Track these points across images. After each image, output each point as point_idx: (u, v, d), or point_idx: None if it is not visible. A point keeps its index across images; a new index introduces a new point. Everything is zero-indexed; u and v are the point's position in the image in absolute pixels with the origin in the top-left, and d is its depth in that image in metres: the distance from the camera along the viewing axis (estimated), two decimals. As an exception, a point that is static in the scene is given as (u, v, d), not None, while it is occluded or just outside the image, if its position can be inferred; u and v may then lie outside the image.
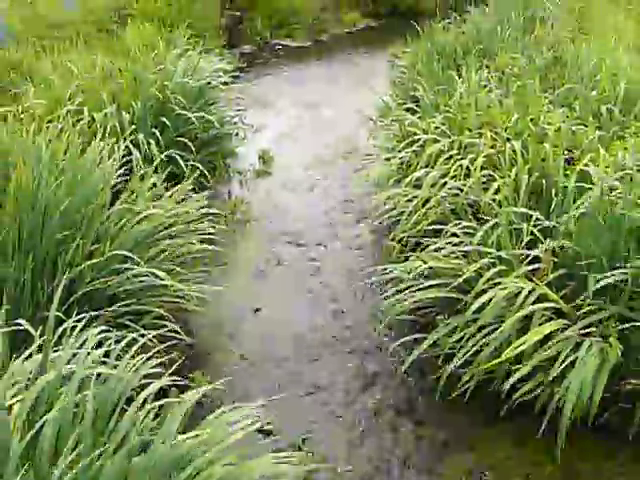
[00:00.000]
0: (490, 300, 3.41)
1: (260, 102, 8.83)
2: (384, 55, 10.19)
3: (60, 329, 2.99)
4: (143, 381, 2.83)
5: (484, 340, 3.47)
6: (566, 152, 4.61)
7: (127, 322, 3.74)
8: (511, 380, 3.27)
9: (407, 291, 4.00)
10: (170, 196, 4.70)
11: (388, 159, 5.57)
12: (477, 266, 3.62)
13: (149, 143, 5.42)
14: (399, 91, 7.34)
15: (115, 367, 2.84)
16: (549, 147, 4.50)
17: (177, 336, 3.82)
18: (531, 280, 3.57)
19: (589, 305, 3.35)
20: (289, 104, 8.90)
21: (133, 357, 2.97)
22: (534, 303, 3.35)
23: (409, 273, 4.00)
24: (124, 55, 6.86)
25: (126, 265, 3.89)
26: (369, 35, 12.59)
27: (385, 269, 4.29)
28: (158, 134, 5.63)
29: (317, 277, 5.15)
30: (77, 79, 6.18)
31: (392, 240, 4.88)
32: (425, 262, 3.94)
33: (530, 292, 3.36)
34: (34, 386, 2.44)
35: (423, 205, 4.61)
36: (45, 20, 8.32)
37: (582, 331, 3.30)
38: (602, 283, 3.34)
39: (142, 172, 4.84)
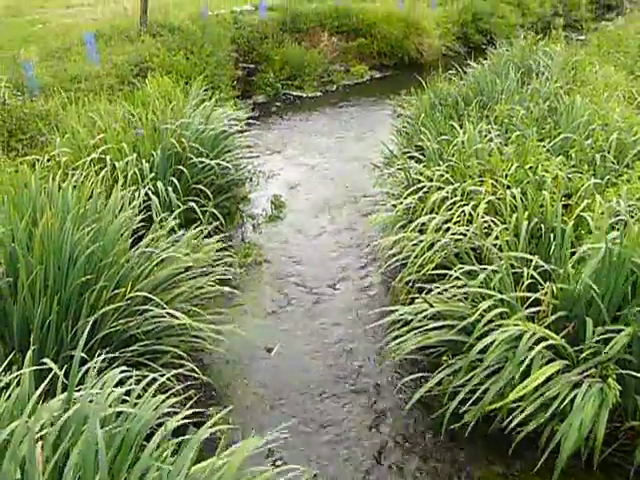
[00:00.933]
0: (493, 342, 3.42)
1: (272, 150, 8.97)
2: (389, 105, 10.33)
3: (83, 369, 3.01)
4: (162, 418, 2.85)
5: (488, 381, 3.48)
6: (563, 198, 4.65)
7: (146, 361, 3.78)
8: (515, 421, 3.27)
9: (413, 332, 4.02)
10: (187, 243, 4.74)
11: (394, 205, 5.62)
12: (480, 310, 3.63)
13: (167, 190, 5.48)
14: (404, 140, 7.42)
15: (135, 405, 2.86)
16: (547, 194, 4.54)
17: (194, 374, 3.84)
18: (532, 320, 3.59)
19: (589, 347, 3.35)
20: (299, 152, 9.02)
21: (153, 395, 2.99)
22: (536, 343, 3.35)
23: (416, 315, 4.01)
24: (144, 106, 6.98)
25: (145, 307, 3.93)
26: (375, 86, 12.79)
27: (392, 311, 4.30)
28: (176, 181, 5.69)
29: (327, 317, 5.16)
30: (100, 129, 6.29)
31: (399, 282, 4.91)
32: (431, 305, 3.96)
33: (531, 335, 3.36)
34: (58, 424, 2.46)
35: (428, 249, 4.64)
36: (71, 73, 8.48)
37: (582, 371, 3.31)
38: (600, 331, 3.35)
39: (161, 217, 4.91)
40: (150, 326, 3.92)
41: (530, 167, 5.07)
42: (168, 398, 3.04)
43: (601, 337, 3.34)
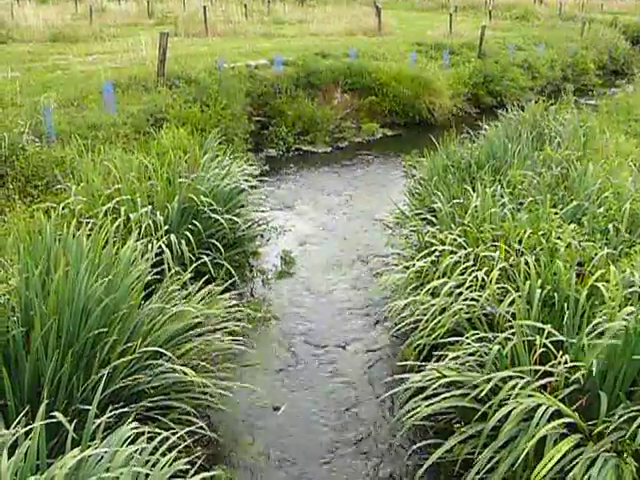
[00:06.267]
0: (509, 413, 3.41)
1: (283, 205, 9.08)
2: (400, 164, 10.49)
3: (94, 424, 3.02)
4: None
5: (501, 451, 3.47)
6: (577, 267, 4.69)
7: (155, 416, 3.78)
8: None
9: (424, 398, 4.01)
10: (201, 300, 4.78)
11: (406, 267, 5.66)
12: (494, 382, 3.63)
13: (180, 243, 5.54)
14: (416, 201, 7.51)
15: (147, 462, 2.86)
16: (561, 262, 4.57)
17: (202, 432, 3.83)
18: (545, 389, 3.59)
19: (603, 422, 3.34)
20: (310, 208, 9.13)
21: (163, 454, 3.00)
22: (550, 415, 3.35)
23: (426, 382, 4.01)
24: (159, 157, 7.09)
25: (155, 361, 3.95)
26: (386, 144, 12.98)
27: (403, 379, 4.30)
28: (189, 235, 5.76)
29: (335, 378, 5.16)
30: (115, 179, 6.39)
31: (409, 346, 4.91)
32: (442, 375, 3.96)
33: (546, 409, 3.36)
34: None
35: (440, 313, 4.66)
36: (88, 121, 8.64)
37: (597, 446, 3.29)
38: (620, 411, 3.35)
39: (173, 272, 4.96)
40: (159, 381, 3.93)
41: (543, 234, 5.12)
42: (178, 456, 3.05)
43: (618, 415, 3.34)
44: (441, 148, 8.28)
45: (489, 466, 3.49)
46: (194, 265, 5.29)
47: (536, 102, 10.15)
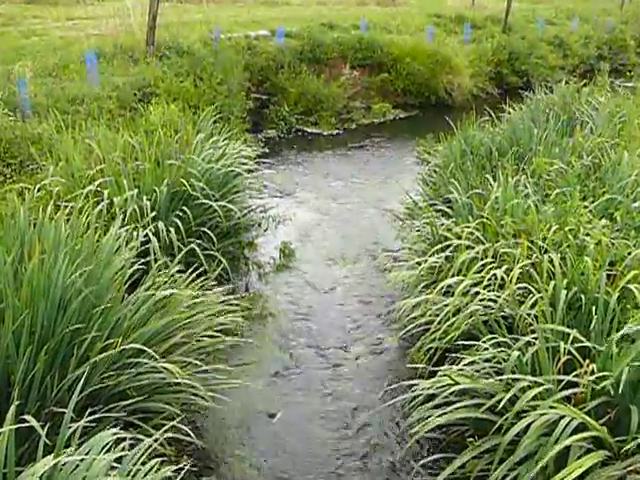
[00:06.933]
0: (529, 426, 3.41)
1: (283, 192, 9.07)
2: (413, 149, 10.47)
3: (70, 430, 3.02)
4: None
5: (518, 467, 3.47)
6: (607, 267, 4.67)
7: (137, 421, 3.79)
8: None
9: (434, 408, 4.01)
10: (187, 285, 4.78)
11: (418, 263, 5.66)
12: (513, 392, 3.63)
13: (169, 231, 5.54)
14: (430, 190, 7.50)
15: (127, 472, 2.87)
16: (589, 261, 4.56)
17: (188, 439, 3.85)
18: (569, 401, 3.59)
19: (633, 439, 3.34)
20: (313, 195, 9.14)
21: (144, 463, 3.01)
22: (573, 432, 3.35)
23: (437, 389, 4.02)
24: (147, 135, 7.07)
25: (139, 359, 3.95)
26: (398, 127, 12.96)
27: (411, 386, 4.30)
28: (179, 222, 5.76)
29: (337, 384, 5.17)
30: (98, 159, 6.38)
31: (419, 350, 4.92)
32: (455, 382, 3.96)
33: (570, 421, 3.36)
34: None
35: (453, 315, 4.66)
36: (68, 94, 8.62)
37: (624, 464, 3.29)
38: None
39: (160, 262, 4.96)
40: (142, 382, 3.94)
41: (571, 229, 5.11)
42: (160, 467, 3.05)
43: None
44: (459, 132, 8.27)
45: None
46: (182, 253, 5.27)
47: (567, 83, 10.14)
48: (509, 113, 9.49)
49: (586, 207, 5.58)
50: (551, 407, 3.50)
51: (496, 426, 3.69)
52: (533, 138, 7.54)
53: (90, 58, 9.38)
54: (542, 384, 3.66)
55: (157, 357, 3.98)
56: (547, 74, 15.98)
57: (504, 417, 3.63)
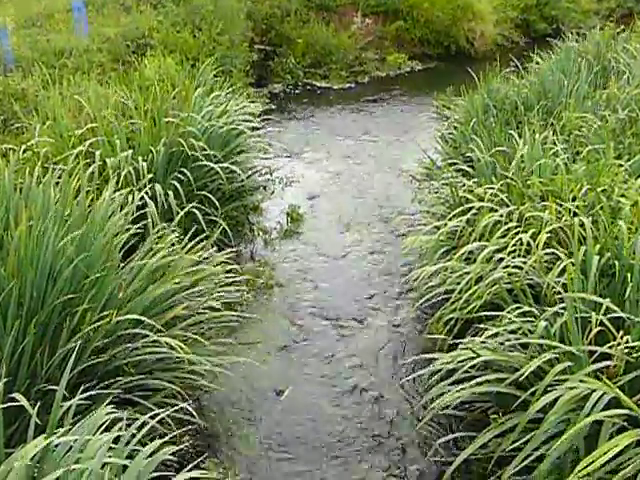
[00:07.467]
0: (556, 401, 3.41)
1: (290, 151, 9.04)
2: (431, 104, 10.38)
3: (62, 409, 3.04)
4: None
5: (543, 447, 3.47)
6: (644, 231, 4.64)
7: (135, 399, 3.81)
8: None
9: (454, 382, 4.02)
10: (187, 251, 4.79)
11: (436, 227, 5.64)
12: (539, 362, 3.62)
13: (167, 195, 5.54)
14: (449, 148, 7.45)
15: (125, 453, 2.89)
16: (624, 224, 4.52)
17: (191, 418, 3.87)
18: (599, 379, 3.58)
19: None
20: (322, 155, 9.11)
21: (144, 444, 3.02)
22: (605, 408, 3.34)
23: (458, 364, 4.02)
24: (142, 91, 7.04)
25: (136, 330, 3.97)
26: (415, 79, 12.86)
27: (429, 360, 4.31)
28: (177, 185, 5.75)
29: (349, 358, 5.19)
30: (89, 117, 6.36)
31: (438, 321, 4.92)
32: (477, 354, 3.96)
33: (601, 396, 3.35)
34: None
35: (475, 283, 4.65)
36: (55, 46, 8.58)
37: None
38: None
39: (158, 228, 4.96)
40: (140, 357, 3.96)
41: (604, 190, 5.07)
42: (161, 447, 3.07)
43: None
44: (481, 85, 8.20)
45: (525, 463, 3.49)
46: (178, 216, 5.27)
47: (601, 29, 9.99)
48: (537, 63, 9.39)
49: (621, 166, 5.53)
50: (581, 382, 3.49)
51: (519, 400, 3.69)
52: (563, 90, 7.46)
53: (78, 6, 9.33)
54: (572, 356, 3.66)
55: (156, 330, 4.00)
56: (579, 20, 15.79)
57: (529, 392, 3.63)
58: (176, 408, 3.70)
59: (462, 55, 13.80)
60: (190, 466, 3.15)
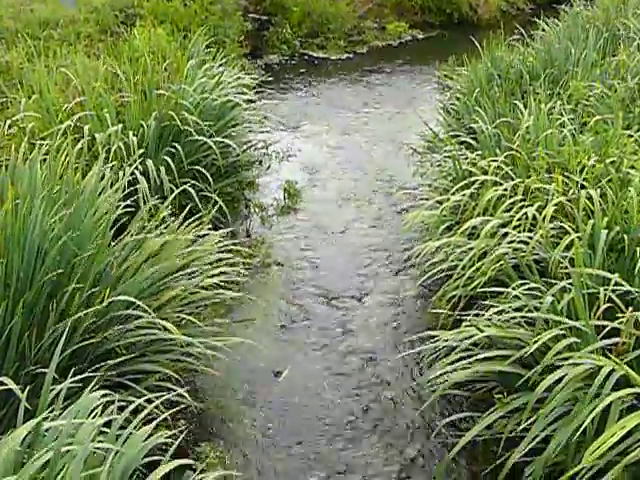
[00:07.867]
0: (562, 378, 3.41)
1: (287, 125, 9.02)
2: (433, 74, 10.35)
3: (52, 392, 3.04)
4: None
5: (549, 427, 3.48)
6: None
7: (128, 382, 3.81)
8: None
9: (457, 361, 4.01)
10: (178, 229, 4.77)
11: (439, 202, 5.63)
12: (544, 339, 3.62)
13: (158, 170, 5.52)
14: (452, 120, 7.43)
15: (117, 437, 2.89)
16: (634, 197, 4.51)
17: (185, 401, 3.87)
18: (608, 356, 3.58)
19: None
20: (320, 128, 9.09)
21: (137, 428, 3.02)
22: (613, 386, 3.34)
23: (461, 341, 4.01)
24: (132, 63, 7.01)
25: (128, 311, 3.96)
26: (416, 49, 12.81)
27: (432, 336, 4.31)
28: (169, 160, 5.73)
29: (349, 337, 5.19)
30: (76, 90, 6.33)
31: (441, 298, 4.92)
32: (481, 330, 3.96)
33: (609, 373, 3.35)
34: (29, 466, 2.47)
35: (479, 259, 4.64)
36: (39, 16, 8.51)
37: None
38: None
39: (150, 205, 4.95)
40: (133, 339, 3.96)
41: (612, 162, 5.05)
42: (154, 431, 3.07)
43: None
44: (485, 54, 8.17)
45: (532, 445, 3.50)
46: (173, 194, 5.25)
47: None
48: (543, 31, 9.34)
49: (630, 136, 5.51)
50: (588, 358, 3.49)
51: (523, 379, 3.69)
52: (570, 58, 7.44)
53: (64, -25, 9.25)
54: (579, 332, 3.66)
55: (149, 311, 3.99)
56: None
57: (534, 370, 3.63)
58: (169, 392, 3.71)
59: (465, 23, 13.75)
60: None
